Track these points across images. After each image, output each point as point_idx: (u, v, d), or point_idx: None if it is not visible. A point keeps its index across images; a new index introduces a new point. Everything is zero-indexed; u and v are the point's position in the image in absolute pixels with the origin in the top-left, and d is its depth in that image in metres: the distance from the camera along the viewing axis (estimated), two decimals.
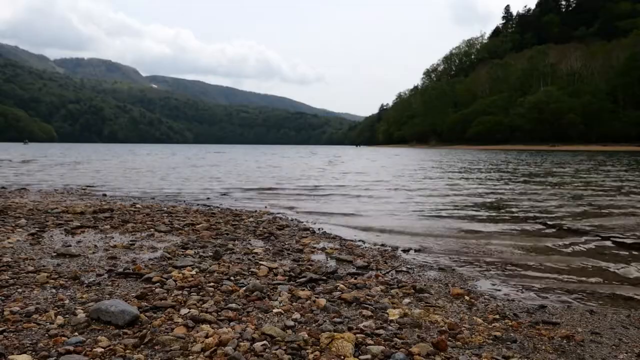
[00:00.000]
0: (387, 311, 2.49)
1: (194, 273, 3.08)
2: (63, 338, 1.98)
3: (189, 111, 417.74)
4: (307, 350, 1.96)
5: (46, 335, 2.03)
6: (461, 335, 2.21)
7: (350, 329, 2.21)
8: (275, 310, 2.44)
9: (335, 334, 2.10)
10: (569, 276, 3.45)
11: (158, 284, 2.83)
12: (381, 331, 2.20)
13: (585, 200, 8.15)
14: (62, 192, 8.81)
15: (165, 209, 6.43)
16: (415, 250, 4.27)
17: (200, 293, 2.68)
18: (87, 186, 10.13)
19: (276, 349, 1.96)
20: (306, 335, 2.09)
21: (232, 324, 2.23)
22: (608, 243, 4.61)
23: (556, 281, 3.32)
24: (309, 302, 2.61)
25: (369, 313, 2.45)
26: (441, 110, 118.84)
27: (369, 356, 1.93)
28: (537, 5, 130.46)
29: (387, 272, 3.40)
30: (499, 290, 3.09)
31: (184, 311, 2.35)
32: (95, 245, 3.94)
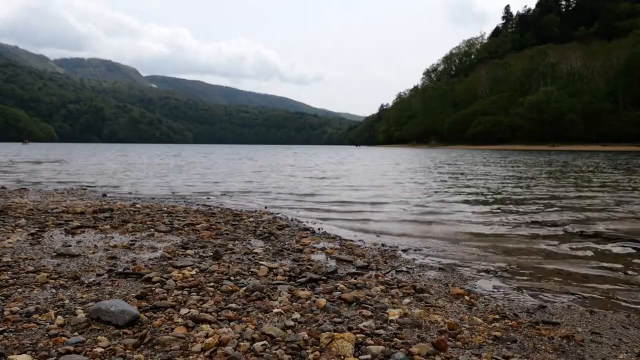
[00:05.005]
0: (387, 311, 2.48)
1: (194, 273, 3.08)
2: (63, 338, 1.98)
3: (189, 111, 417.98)
4: (307, 350, 1.96)
5: (46, 335, 2.03)
6: (461, 335, 2.21)
7: (350, 329, 2.21)
8: (275, 310, 2.44)
9: (335, 334, 2.10)
10: (569, 276, 3.45)
11: (158, 284, 2.83)
12: (381, 331, 2.20)
13: None
14: (62, 192, 8.81)
15: (165, 209, 6.43)
16: (415, 250, 4.27)
17: (200, 293, 2.68)
18: (87, 186, 10.13)
19: (276, 349, 1.96)
20: (306, 335, 2.09)
21: (232, 324, 2.23)
22: (609, 244, 4.61)
23: (556, 281, 3.32)
24: (309, 302, 2.61)
25: (369, 313, 2.45)
26: (441, 110, 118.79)
27: (369, 356, 1.93)
28: (537, 5, 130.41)
29: (387, 272, 3.40)
30: (499, 290, 3.09)
31: (184, 311, 2.35)
32: (95, 245, 3.94)
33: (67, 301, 2.46)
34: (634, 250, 4.29)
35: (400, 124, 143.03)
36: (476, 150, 66.69)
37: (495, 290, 3.09)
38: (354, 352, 1.96)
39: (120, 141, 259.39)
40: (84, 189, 9.44)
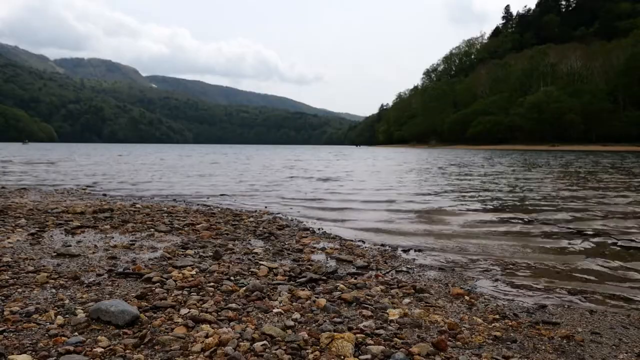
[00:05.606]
0: (387, 311, 2.48)
1: (194, 273, 3.08)
2: (63, 338, 1.98)
3: (189, 111, 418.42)
4: (307, 350, 1.96)
5: (46, 335, 2.03)
6: (461, 335, 2.21)
7: (350, 329, 2.21)
8: (275, 310, 2.44)
9: (335, 334, 2.10)
10: (569, 276, 3.45)
11: (158, 284, 2.83)
12: (381, 331, 2.20)
13: None
14: (62, 192, 8.81)
15: (165, 209, 6.43)
16: (415, 250, 4.27)
17: (200, 293, 2.68)
18: (87, 186, 10.13)
19: (276, 349, 1.96)
20: (306, 335, 2.09)
21: (232, 324, 2.23)
22: (609, 244, 4.60)
23: (556, 281, 3.32)
24: (309, 302, 2.61)
25: (369, 313, 2.45)
26: (441, 110, 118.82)
27: (368, 356, 1.93)
28: (537, 5, 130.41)
29: (387, 272, 3.40)
30: (499, 290, 3.09)
31: (184, 311, 2.35)
32: (95, 245, 3.94)
33: (67, 301, 2.46)
34: (634, 251, 4.29)
35: (400, 124, 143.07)
36: (477, 150, 66.70)
37: (495, 290, 3.09)
38: (354, 352, 1.96)
39: (120, 141, 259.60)
40: (83, 189, 9.44)
